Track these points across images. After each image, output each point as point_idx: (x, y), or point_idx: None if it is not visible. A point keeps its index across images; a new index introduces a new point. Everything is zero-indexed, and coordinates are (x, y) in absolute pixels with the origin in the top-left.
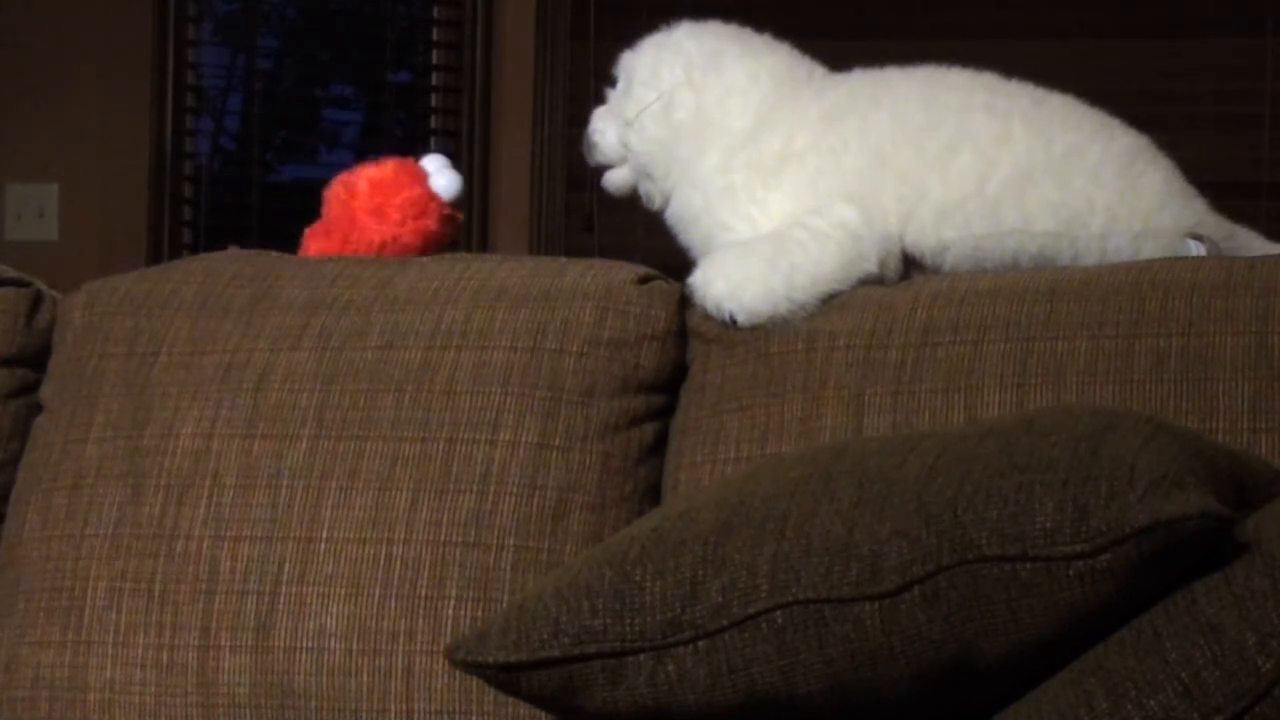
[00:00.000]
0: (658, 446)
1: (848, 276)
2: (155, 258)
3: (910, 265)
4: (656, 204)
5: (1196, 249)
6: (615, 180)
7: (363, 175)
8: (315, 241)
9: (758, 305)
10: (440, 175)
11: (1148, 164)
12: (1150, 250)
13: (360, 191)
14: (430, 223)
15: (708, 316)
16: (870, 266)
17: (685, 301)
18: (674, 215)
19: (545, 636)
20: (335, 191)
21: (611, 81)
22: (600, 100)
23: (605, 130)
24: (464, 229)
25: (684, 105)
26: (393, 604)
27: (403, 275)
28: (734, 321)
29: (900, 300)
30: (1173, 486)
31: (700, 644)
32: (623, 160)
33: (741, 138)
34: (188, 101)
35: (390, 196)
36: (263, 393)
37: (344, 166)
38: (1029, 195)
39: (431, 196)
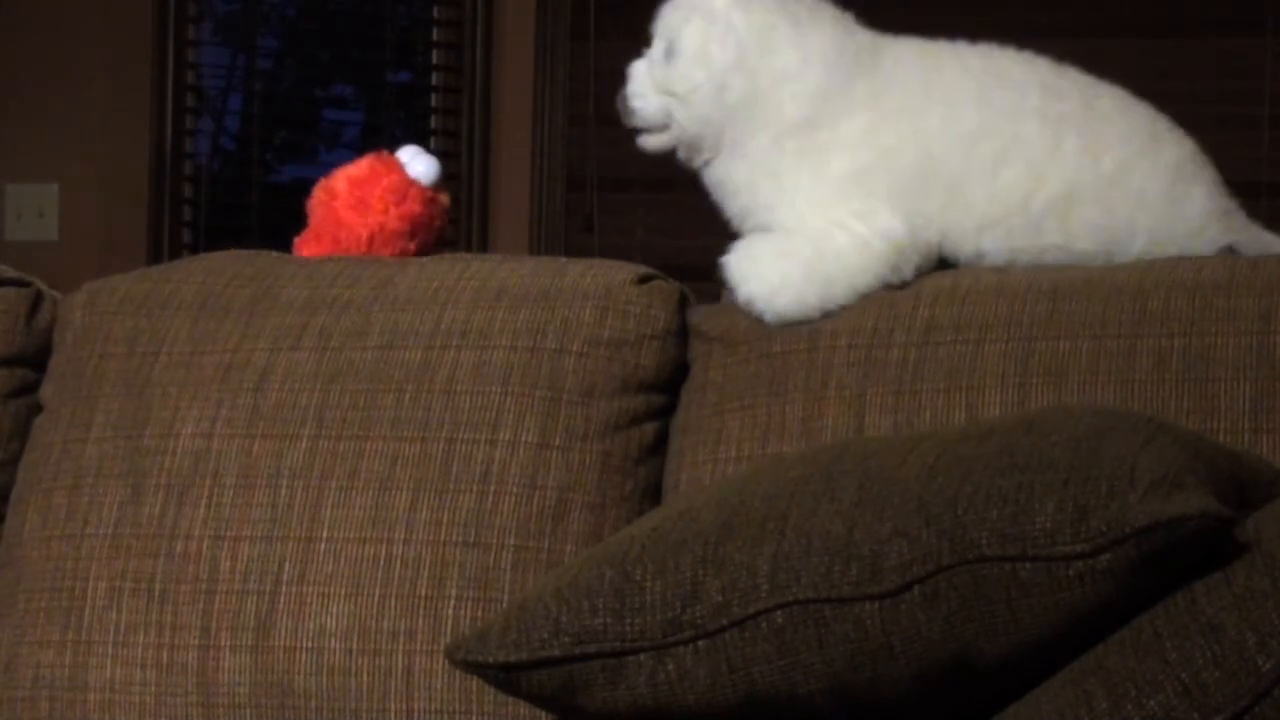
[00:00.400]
0: (658, 446)
1: (884, 282)
2: (155, 258)
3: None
4: (696, 166)
5: None
6: (654, 143)
7: (340, 176)
8: (306, 248)
9: (789, 311)
10: (416, 161)
11: (1191, 181)
12: None
13: (340, 191)
14: (414, 206)
15: (710, 315)
16: (907, 276)
17: (685, 301)
18: (714, 181)
19: (545, 636)
20: (317, 198)
21: (646, 41)
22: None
23: (647, 95)
24: (454, 217)
25: (736, 88)
26: (393, 604)
27: (403, 275)
28: (761, 319)
29: (902, 299)
30: (1173, 487)
31: (700, 644)
32: (663, 127)
33: (793, 124)
34: (188, 101)
35: (370, 189)
36: (263, 393)
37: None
38: (1073, 215)
39: (410, 182)
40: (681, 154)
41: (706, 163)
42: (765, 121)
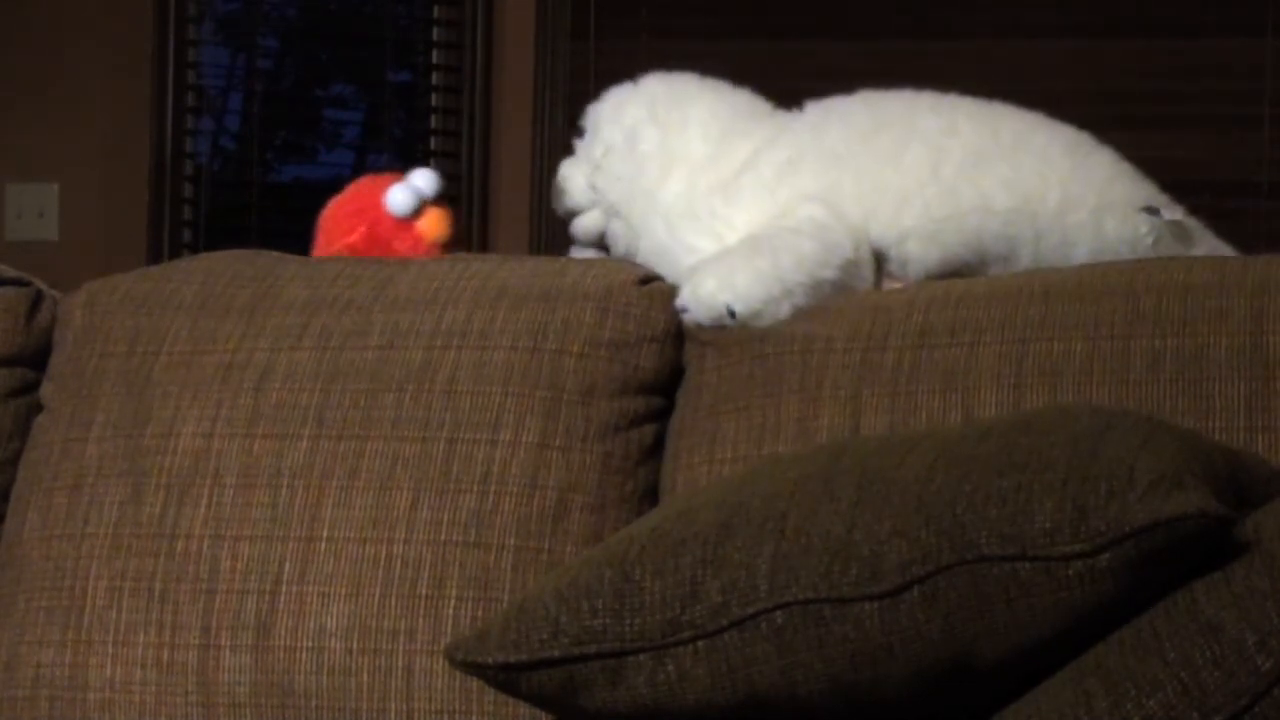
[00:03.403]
0: (658, 447)
1: (829, 260)
2: (155, 258)
3: (880, 265)
4: (623, 245)
5: (1152, 223)
6: (584, 225)
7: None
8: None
9: (751, 289)
10: (418, 178)
11: (1093, 148)
12: (1112, 226)
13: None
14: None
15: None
16: (848, 253)
17: None
18: (645, 251)
19: (545, 636)
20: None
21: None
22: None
23: (572, 175)
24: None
25: (648, 139)
26: (393, 604)
27: (403, 275)
28: (732, 315)
29: (896, 304)
30: (1172, 486)
31: (700, 644)
32: (591, 205)
33: (702, 163)
34: (188, 101)
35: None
36: (263, 392)
37: (344, 166)
38: (983, 174)
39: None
40: (610, 233)
41: (636, 237)
42: (676, 165)
